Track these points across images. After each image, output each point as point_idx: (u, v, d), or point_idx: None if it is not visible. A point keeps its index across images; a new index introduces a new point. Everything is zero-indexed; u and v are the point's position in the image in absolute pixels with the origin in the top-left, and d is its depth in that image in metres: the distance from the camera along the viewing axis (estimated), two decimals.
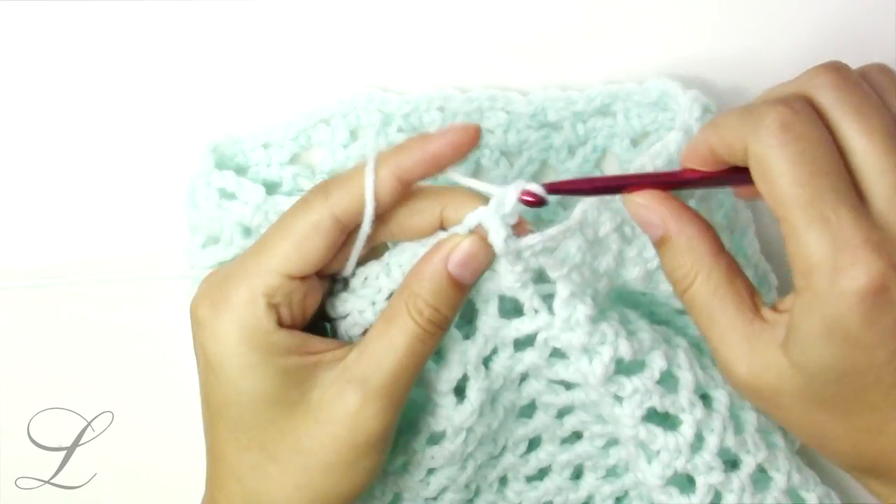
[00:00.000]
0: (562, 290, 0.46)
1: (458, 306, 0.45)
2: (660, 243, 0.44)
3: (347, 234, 0.46)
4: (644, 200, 0.43)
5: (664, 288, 0.48)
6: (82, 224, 0.56)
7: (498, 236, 0.44)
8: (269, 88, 0.53)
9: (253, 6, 0.52)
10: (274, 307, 0.45)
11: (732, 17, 0.52)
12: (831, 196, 0.38)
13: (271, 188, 0.52)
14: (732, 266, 0.43)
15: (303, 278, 0.45)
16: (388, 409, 0.44)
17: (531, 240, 0.44)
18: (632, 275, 0.48)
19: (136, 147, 0.54)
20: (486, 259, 0.45)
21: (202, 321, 0.45)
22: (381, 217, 0.46)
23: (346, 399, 0.44)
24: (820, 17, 0.52)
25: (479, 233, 0.44)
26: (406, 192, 0.46)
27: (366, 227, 0.45)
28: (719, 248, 0.43)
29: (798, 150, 0.38)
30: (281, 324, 0.45)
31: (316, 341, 0.46)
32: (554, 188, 0.44)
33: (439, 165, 0.45)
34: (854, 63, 0.42)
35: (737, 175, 0.42)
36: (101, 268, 0.55)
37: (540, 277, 0.47)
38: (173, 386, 0.57)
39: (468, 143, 0.45)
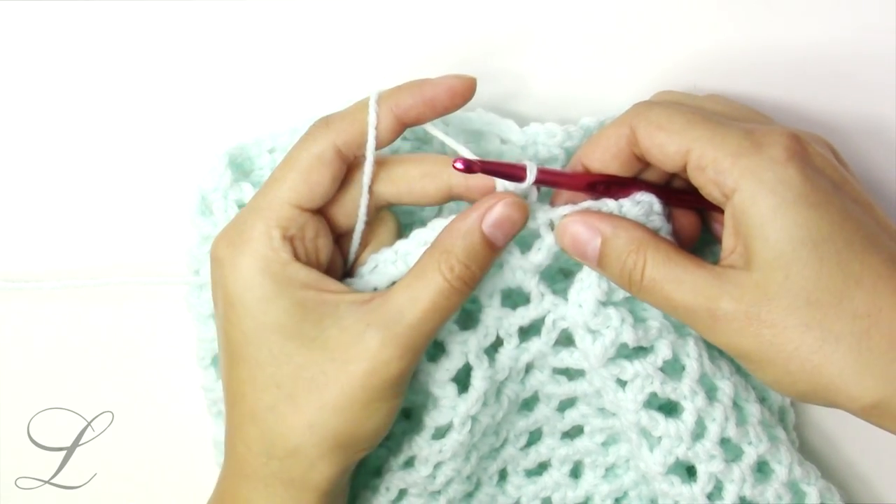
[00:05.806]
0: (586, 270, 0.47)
1: (487, 266, 0.46)
2: (600, 255, 0.45)
3: (349, 166, 0.47)
4: (574, 224, 0.46)
5: None
6: (84, 228, 0.56)
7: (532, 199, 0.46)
8: (273, 94, 0.54)
9: (257, 12, 0.52)
10: (288, 240, 0.46)
11: (730, 53, 0.53)
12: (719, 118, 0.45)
13: None
14: (673, 243, 0.45)
15: (313, 213, 0.47)
16: (406, 355, 0.44)
17: (565, 209, 0.47)
18: None
19: (140, 154, 0.55)
20: (520, 221, 0.46)
21: (221, 259, 0.46)
22: (390, 177, 0.48)
23: (366, 340, 0.44)
24: (815, 25, 0.53)
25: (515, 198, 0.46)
26: (401, 131, 0.47)
27: (370, 158, 0.47)
28: (654, 233, 0.46)
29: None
30: (297, 258, 0.46)
31: (334, 283, 0.46)
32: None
33: (435, 109, 0.47)
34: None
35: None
36: (102, 272, 0.56)
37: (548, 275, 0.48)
38: (173, 386, 0.58)
39: (463, 91, 0.47)
